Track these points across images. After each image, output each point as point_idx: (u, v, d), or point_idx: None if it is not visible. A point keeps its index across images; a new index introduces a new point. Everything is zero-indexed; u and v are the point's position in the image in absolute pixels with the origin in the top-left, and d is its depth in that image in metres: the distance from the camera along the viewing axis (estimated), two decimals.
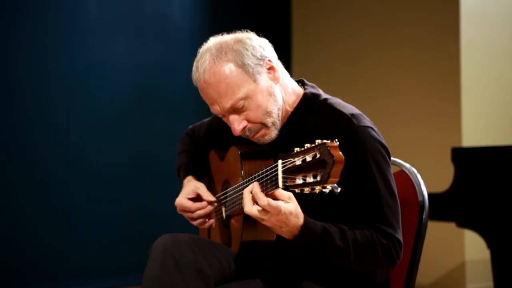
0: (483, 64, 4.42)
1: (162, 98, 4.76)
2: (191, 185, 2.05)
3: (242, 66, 1.72)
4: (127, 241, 4.52)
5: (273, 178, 1.51)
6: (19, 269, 4.14)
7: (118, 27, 4.59)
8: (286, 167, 1.46)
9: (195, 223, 2.01)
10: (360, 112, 1.79)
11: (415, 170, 1.95)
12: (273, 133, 1.78)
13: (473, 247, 4.22)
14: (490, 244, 3.31)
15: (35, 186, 4.22)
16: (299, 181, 1.41)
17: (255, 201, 1.57)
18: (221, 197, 1.99)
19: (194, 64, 1.79)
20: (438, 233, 4.12)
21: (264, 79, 1.75)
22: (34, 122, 4.24)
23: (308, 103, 1.81)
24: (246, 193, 1.59)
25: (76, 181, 4.36)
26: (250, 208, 1.56)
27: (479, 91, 4.40)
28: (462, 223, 3.38)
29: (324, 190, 1.38)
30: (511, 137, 4.45)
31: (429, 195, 1.91)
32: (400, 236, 1.70)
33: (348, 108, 1.78)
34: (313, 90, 1.84)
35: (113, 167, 4.52)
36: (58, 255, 4.27)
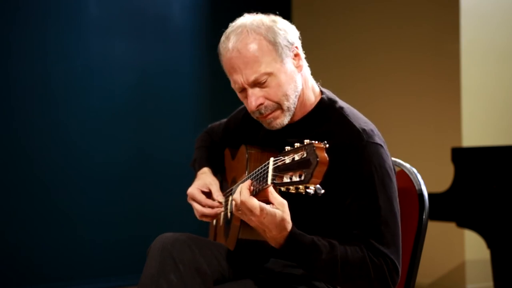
0: (483, 64, 4.42)
1: (162, 98, 4.76)
2: (206, 179, 2.06)
3: (274, 43, 1.74)
4: (127, 241, 4.53)
5: (264, 175, 1.51)
6: (19, 269, 4.14)
7: (118, 27, 4.59)
8: (277, 165, 1.46)
9: (201, 217, 2.01)
10: (373, 128, 1.77)
11: (415, 170, 1.95)
12: (285, 118, 1.78)
13: (473, 247, 4.22)
14: (490, 244, 3.31)
15: (35, 186, 4.22)
16: (286, 179, 1.41)
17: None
18: (228, 195, 2.00)
19: (224, 35, 1.81)
20: (438, 233, 4.12)
21: (289, 62, 1.76)
22: (34, 122, 4.24)
23: (324, 107, 1.81)
24: (240, 186, 1.58)
25: (76, 180, 4.36)
26: (236, 197, 1.56)
27: (479, 91, 4.40)
28: (462, 223, 3.38)
29: (308, 190, 1.37)
30: (511, 137, 4.46)
31: (429, 195, 1.91)
32: (396, 260, 1.65)
33: (362, 122, 1.77)
34: (330, 95, 1.85)
35: (113, 167, 4.52)
36: (58, 255, 4.27)
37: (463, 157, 3.47)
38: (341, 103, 1.83)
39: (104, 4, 4.52)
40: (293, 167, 1.39)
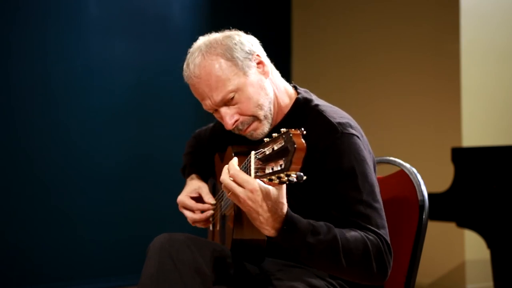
0: (483, 64, 4.43)
1: (162, 98, 4.76)
2: (194, 184, 2.07)
3: (231, 59, 1.75)
4: (127, 241, 4.53)
5: (247, 170, 1.50)
6: (19, 269, 4.14)
7: (118, 27, 4.59)
8: (258, 157, 1.45)
9: (194, 223, 2.02)
10: (349, 121, 1.76)
11: (415, 170, 1.95)
12: (265, 127, 1.79)
13: (473, 247, 4.22)
14: (490, 244, 3.31)
15: (35, 186, 4.22)
16: (268, 170, 1.40)
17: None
18: (219, 197, 2.01)
19: (185, 62, 1.82)
20: (438, 233, 4.12)
21: (253, 72, 1.77)
22: (34, 122, 4.24)
23: (299, 108, 1.82)
24: (226, 166, 1.55)
25: (76, 181, 4.37)
26: (224, 177, 1.51)
27: (479, 91, 4.41)
28: (462, 223, 3.38)
29: (290, 178, 1.35)
30: (511, 137, 4.46)
31: (429, 195, 1.91)
32: (388, 240, 1.64)
33: (338, 116, 1.76)
34: (305, 95, 1.84)
35: (113, 167, 4.52)
36: (58, 255, 4.27)
37: (463, 157, 3.47)
38: (317, 101, 1.83)
39: (104, 4, 4.52)
40: (273, 157, 1.39)
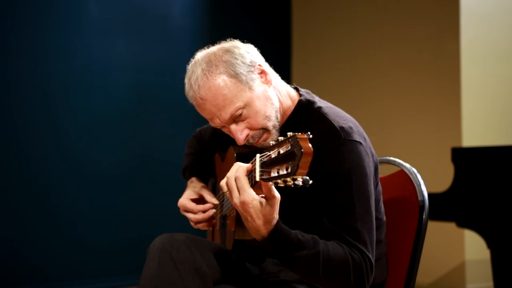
0: (483, 64, 4.43)
1: (162, 99, 4.76)
2: (194, 187, 2.07)
3: (235, 75, 1.72)
4: (127, 241, 4.53)
5: (252, 172, 1.51)
6: (19, 269, 4.14)
7: (118, 27, 4.59)
8: (263, 160, 1.45)
9: (197, 225, 2.01)
10: (352, 125, 1.75)
11: (415, 170, 1.95)
12: (274, 136, 1.78)
13: (473, 247, 4.22)
14: (490, 244, 3.31)
15: (35, 186, 4.22)
16: (273, 174, 1.41)
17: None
18: (220, 197, 2.00)
19: (186, 81, 1.78)
20: (438, 233, 4.12)
21: (258, 84, 1.75)
22: (34, 122, 4.24)
23: (302, 110, 1.81)
24: (238, 165, 1.57)
25: (76, 180, 4.36)
26: (231, 175, 1.54)
27: (479, 91, 4.41)
28: (462, 223, 3.38)
29: (296, 182, 1.36)
30: (511, 137, 4.46)
31: (429, 195, 1.91)
32: (373, 259, 1.66)
33: (341, 120, 1.75)
34: (308, 97, 1.83)
35: (113, 168, 4.52)
36: (58, 255, 4.27)
37: (463, 157, 3.47)
38: (319, 102, 1.82)
39: (104, 4, 4.52)
40: (279, 160, 1.39)
